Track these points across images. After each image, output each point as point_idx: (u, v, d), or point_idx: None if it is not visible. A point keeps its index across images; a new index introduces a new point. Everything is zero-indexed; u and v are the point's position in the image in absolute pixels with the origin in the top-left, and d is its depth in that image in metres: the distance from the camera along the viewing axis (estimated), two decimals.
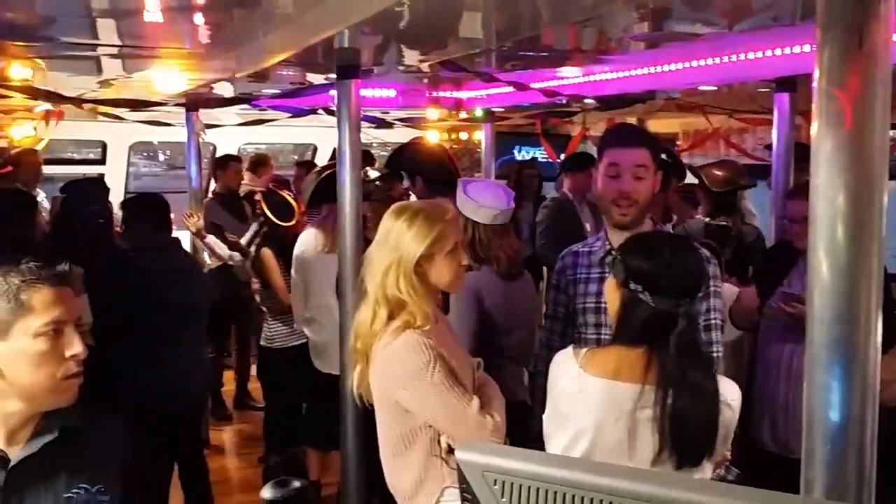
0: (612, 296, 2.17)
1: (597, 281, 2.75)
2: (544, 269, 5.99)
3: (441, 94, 6.63)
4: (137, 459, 1.97)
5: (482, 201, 3.35)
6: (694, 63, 4.46)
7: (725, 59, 4.29)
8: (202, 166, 6.85)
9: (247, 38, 3.95)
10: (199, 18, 3.58)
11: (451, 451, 2.46)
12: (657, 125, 8.55)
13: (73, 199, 5.02)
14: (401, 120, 7.59)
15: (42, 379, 1.75)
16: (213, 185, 7.17)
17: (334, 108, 3.76)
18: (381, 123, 7.30)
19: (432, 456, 2.46)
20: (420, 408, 2.43)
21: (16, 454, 1.78)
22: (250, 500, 5.19)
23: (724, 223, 4.90)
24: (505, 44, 3.85)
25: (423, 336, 2.41)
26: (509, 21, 3.29)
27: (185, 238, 5.18)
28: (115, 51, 4.35)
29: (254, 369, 6.52)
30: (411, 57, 4.23)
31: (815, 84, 1.44)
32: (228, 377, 6.95)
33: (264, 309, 5.26)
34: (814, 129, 1.45)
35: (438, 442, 2.47)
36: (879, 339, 1.44)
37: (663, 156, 3.39)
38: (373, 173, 5.47)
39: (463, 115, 7.42)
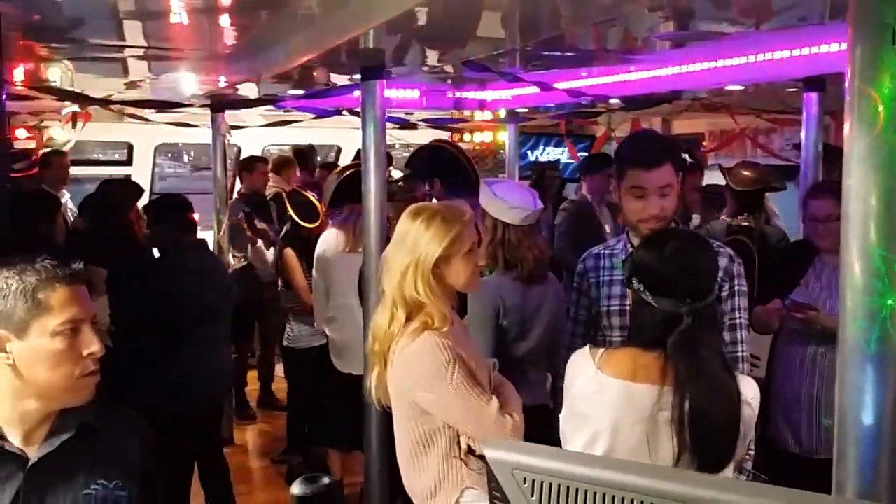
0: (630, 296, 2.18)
1: (620, 283, 2.73)
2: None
3: (465, 94, 6.62)
4: (156, 457, 1.98)
5: (511, 202, 3.34)
6: (721, 63, 4.43)
7: (753, 58, 4.26)
8: (227, 167, 6.89)
9: (272, 39, 3.97)
10: (224, 20, 3.60)
11: (470, 451, 2.46)
12: (682, 125, 8.49)
13: (100, 201, 5.05)
14: (424, 120, 7.59)
15: (60, 378, 1.76)
16: (237, 186, 7.21)
17: (359, 109, 3.76)
18: (405, 124, 7.30)
19: (451, 457, 2.46)
20: (440, 408, 2.43)
21: (34, 453, 1.78)
22: (273, 499, 5.22)
23: (745, 223, 4.87)
24: (528, 44, 3.83)
25: (441, 337, 2.41)
26: (534, 21, 3.28)
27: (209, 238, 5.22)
28: (141, 52, 4.39)
29: (278, 369, 6.56)
30: (435, 57, 4.24)
31: (846, 83, 1.42)
32: (252, 377, 6.98)
33: (288, 307, 5.28)
34: (846, 128, 1.43)
35: (458, 443, 2.46)
36: None
37: (684, 155, 3.36)
38: (396, 173, 5.48)
39: (487, 115, 7.41)
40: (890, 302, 1.38)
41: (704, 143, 8.21)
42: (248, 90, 5.81)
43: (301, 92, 5.61)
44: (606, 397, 2.05)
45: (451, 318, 2.49)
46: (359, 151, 6.64)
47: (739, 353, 2.60)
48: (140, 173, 8.48)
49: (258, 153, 8.16)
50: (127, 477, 1.87)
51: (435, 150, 5.63)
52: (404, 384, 2.47)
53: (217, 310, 4.26)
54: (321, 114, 6.48)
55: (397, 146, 9.36)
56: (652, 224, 2.64)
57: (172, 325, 3.98)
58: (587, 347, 2.21)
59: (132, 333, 3.89)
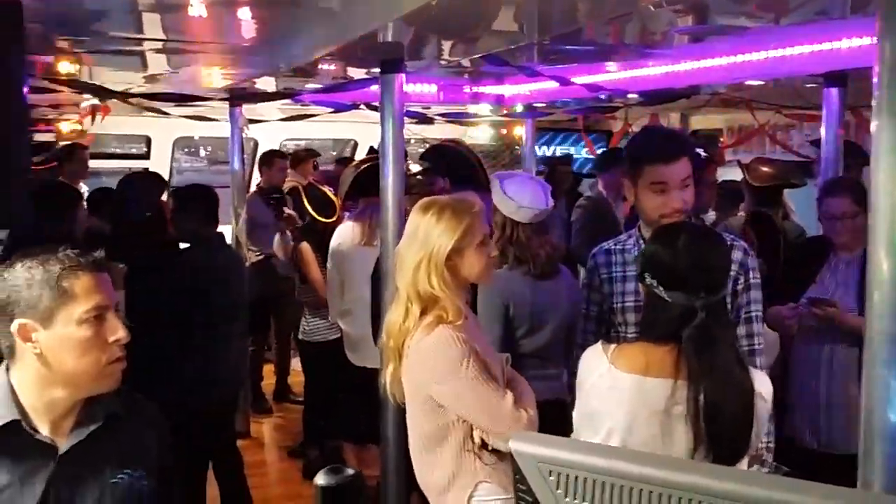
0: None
1: (634, 279, 2.71)
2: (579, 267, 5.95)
3: (482, 89, 6.61)
4: (173, 452, 1.99)
5: (521, 201, 3.33)
6: (740, 58, 4.39)
7: (773, 53, 4.22)
8: (244, 161, 6.90)
9: (291, 33, 3.97)
10: (243, 13, 3.61)
11: (484, 445, 2.46)
12: (700, 121, 8.44)
13: (122, 195, 5.06)
14: (441, 115, 7.58)
15: (87, 365, 1.77)
16: (255, 180, 7.23)
17: (376, 104, 3.76)
18: (422, 119, 7.29)
19: (465, 451, 2.46)
20: (455, 402, 2.43)
21: (64, 443, 1.79)
22: (289, 492, 5.23)
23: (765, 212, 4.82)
24: (546, 38, 3.82)
25: (456, 331, 2.41)
26: (551, 14, 3.27)
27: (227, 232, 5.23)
28: (159, 45, 4.40)
29: (294, 363, 6.57)
30: (454, 51, 4.22)
31: (875, 76, 1.40)
32: (268, 371, 7.00)
33: (304, 301, 5.29)
34: (874, 121, 1.41)
35: (472, 437, 2.46)
36: None
37: (699, 150, 3.34)
38: (414, 167, 5.47)
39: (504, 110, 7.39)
40: None
41: (722, 139, 8.15)
42: (266, 84, 5.82)
43: (319, 86, 5.61)
44: (620, 392, 2.05)
45: (464, 312, 2.49)
46: (371, 147, 6.67)
47: (756, 346, 2.59)
48: (158, 167, 8.51)
49: (275, 147, 8.18)
50: (148, 466, 1.88)
51: (443, 151, 5.61)
52: (419, 378, 2.48)
53: (234, 305, 4.26)
54: (338, 108, 6.49)
55: (412, 142, 9.35)
56: (676, 218, 2.62)
57: (189, 320, 3.98)
58: (599, 343, 2.22)
59: (148, 329, 3.88)
